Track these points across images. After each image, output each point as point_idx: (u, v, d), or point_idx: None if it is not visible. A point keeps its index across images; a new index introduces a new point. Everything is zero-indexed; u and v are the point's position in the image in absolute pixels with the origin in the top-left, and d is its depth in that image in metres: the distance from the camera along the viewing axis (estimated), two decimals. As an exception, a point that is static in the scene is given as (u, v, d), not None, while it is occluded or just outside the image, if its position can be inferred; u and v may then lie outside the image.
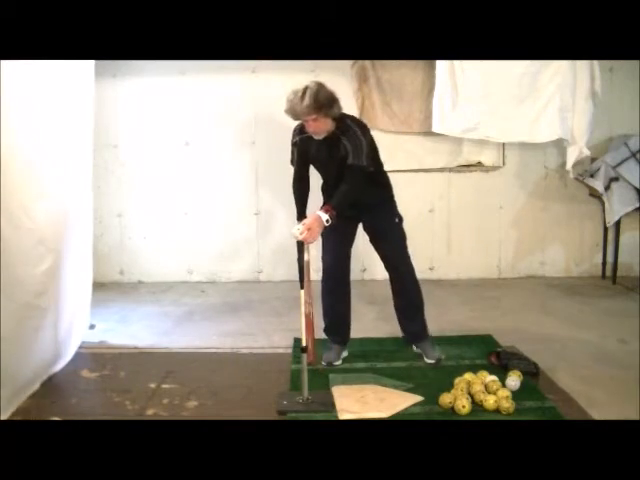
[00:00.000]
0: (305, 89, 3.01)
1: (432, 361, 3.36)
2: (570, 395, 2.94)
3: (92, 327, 3.93)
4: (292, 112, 3.07)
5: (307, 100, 2.96)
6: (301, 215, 3.40)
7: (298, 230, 2.91)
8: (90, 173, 3.62)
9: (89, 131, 3.56)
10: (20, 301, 2.80)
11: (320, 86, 3.04)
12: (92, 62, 3.44)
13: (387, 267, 3.45)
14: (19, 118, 2.74)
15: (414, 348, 3.51)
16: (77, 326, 3.57)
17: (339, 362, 3.38)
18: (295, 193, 3.49)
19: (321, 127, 3.07)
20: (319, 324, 3.52)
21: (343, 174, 3.10)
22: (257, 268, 5.40)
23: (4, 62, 2.49)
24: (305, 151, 3.28)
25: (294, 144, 3.33)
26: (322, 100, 2.98)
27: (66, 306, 3.28)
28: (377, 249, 3.46)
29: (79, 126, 3.40)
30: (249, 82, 5.19)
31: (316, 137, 3.13)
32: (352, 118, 3.24)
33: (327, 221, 3.00)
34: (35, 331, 2.97)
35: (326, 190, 3.41)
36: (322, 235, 3.25)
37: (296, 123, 3.29)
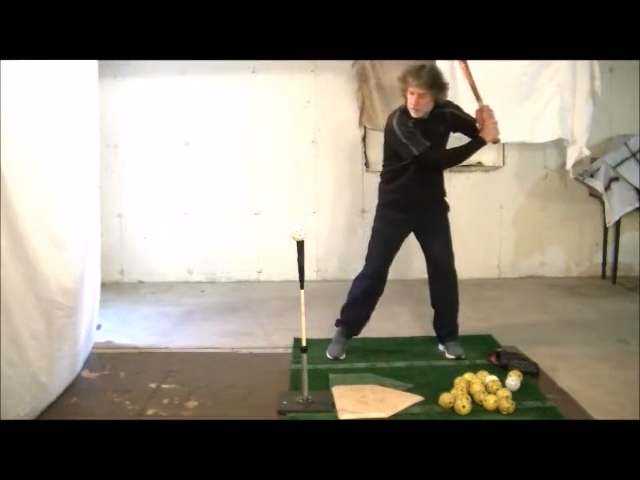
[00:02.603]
0: (424, 66, 3.13)
1: (452, 356, 3.44)
2: (570, 395, 2.95)
3: (98, 327, 3.93)
4: (403, 82, 3.15)
5: (425, 76, 3.07)
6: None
7: (297, 232, 2.87)
8: (96, 173, 3.63)
9: (94, 131, 3.56)
10: (49, 299, 2.84)
11: (437, 67, 3.18)
12: (95, 62, 3.44)
13: (434, 268, 3.46)
14: (26, 119, 2.76)
15: (439, 346, 3.56)
16: (93, 326, 3.61)
17: (344, 356, 3.43)
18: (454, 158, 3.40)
19: (424, 105, 3.15)
20: (318, 324, 3.52)
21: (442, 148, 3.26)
22: (257, 268, 5.40)
23: (7, 62, 2.50)
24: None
25: (409, 124, 3.20)
26: (437, 80, 3.11)
27: (85, 305, 3.31)
28: (425, 249, 3.47)
29: (85, 126, 3.41)
30: (249, 82, 5.19)
31: (414, 115, 3.18)
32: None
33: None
34: (64, 329, 3.00)
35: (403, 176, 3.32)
36: (372, 235, 3.43)
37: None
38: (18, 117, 2.65)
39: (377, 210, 3.49)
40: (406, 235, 3.46)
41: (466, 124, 3.35)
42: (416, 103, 3.12)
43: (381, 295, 3.49)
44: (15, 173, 2.57)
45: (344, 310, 3.53)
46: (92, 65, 3.43)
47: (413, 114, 3.17)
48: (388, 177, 3.41)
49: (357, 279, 3.49)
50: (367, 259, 3.46)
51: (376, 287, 3.46)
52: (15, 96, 2.61)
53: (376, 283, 3.45)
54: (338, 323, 3.54)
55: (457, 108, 3.32)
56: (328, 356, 3.42)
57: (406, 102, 3.20)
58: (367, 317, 3.53)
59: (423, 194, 3.34)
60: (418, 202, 3.35)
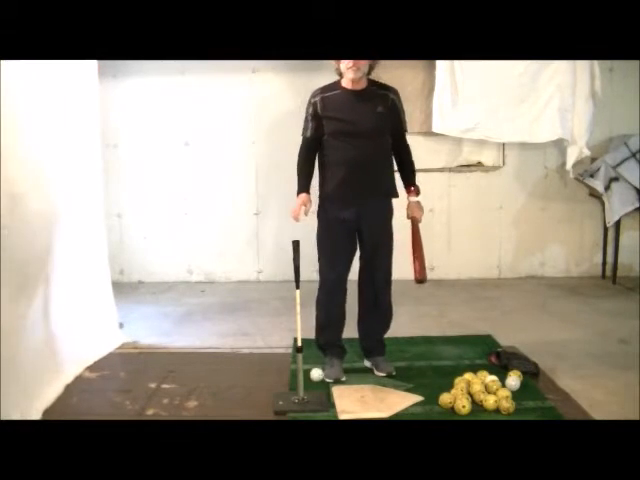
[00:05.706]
0: None
1: (383, 374, 3.21)
2: (570, 395, 2.95)
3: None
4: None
5: None
6: (304, 190, 3.12)
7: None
8: (100, 175, 3.65)
9: (96, 131, 3.57)
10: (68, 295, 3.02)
11: None
12: (95, 62, 3.45)
13: (366, 276, 3.25)
14: (26, 119, 2.77)
15: (365, 362, 3.35)
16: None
17: (345, 377, 3.17)
18: (302, 164, 3.16)
19: (362, 69, 2.99)
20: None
21: (380, 130, 3.06)
22: (257, 268, 5.40)
23: (9, 62, 2.50)
24: (327, 108, 3.08)
25: (312, 104, 3.12)
26: None
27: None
28: (363, 253, 3.23)
29: (85, 127, 3.42)
30: (249, 82, 5.19)
31: (354, 75, 2.99)
32: None
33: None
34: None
35: (345, 152, 3.08)
36: (319, 245, 3.21)
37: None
38: (19, 118, 2.66)
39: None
40: (353, 234, 3.24)
41: (397, 125, 3.15)
42: (356, 69, 2.97)
43: (340, 302, 3.29)
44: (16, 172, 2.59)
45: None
46: (92, 65, 3.43)
47: (352, 75, 3.00)
48: None
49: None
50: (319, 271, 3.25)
51: (332, 296, 3.29)
52: (17, 96, 2.62)
53: (331, 293, 3.30)
54: (322, 346, 3.31)
55: (399, 99, 3.11)
56: (327, 380, 3.13)
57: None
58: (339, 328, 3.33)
59: None
60: None
